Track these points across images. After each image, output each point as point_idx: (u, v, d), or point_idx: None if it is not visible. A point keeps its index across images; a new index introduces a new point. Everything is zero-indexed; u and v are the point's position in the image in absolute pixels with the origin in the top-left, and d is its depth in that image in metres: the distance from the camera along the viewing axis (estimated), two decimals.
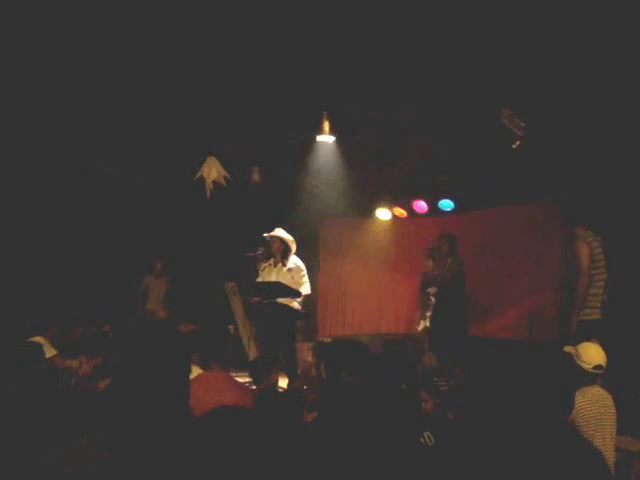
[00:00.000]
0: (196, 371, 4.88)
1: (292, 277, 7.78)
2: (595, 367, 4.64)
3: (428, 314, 9.16)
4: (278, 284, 7.54)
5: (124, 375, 2.12)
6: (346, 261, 11.34)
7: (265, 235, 7.98)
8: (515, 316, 9.40)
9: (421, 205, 10.10)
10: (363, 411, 2.71)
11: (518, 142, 7.18)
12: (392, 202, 10.46)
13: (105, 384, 4.55)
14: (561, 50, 5.74)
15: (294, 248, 7.93)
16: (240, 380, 5.54)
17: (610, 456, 4.41)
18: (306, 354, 8.59)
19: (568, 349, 4.83)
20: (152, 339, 2.16)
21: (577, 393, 4.55)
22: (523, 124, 6.89)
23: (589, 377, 4.65)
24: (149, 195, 9.84)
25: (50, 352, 6.49)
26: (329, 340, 9.59)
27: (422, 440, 3.13)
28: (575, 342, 4.97)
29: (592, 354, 4.70)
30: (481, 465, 2.03)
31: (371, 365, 3.35)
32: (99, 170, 9.02)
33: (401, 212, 10.59)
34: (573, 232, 6.24)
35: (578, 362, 4.67)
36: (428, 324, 9.09)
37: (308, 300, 8.22)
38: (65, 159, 8.51)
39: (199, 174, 8.39)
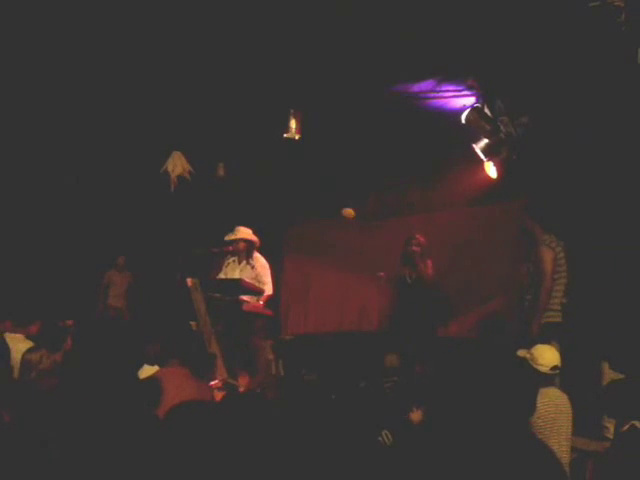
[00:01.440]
0: (156, 367, 4.85)
1: (256, 275, 7.76)
2: (552, 368, 4.71)
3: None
4: (240, 281, 7.51)
5: (76, 369, 2.09)
6: (310, 260, 11.31)
7: (227, 239, 7.92)
8: (476, 318, 9.46)
9: None
10: (321, 408, 2.70)
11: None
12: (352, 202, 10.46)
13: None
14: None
15: (257, 242, 7.92)
16: None
17: (565, 456, 4.48)
18: (268, 352, 8.56)
19: (522, 353, 4.88)
20: (104, 335, 2.13)
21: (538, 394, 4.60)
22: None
23: (546, 379, 4.71)
24: (112, 188, 9.73)
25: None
26: (290, 338, 9.57)
27: (380, 439, 3.14)
28: (533, 345, 5.02)
29: (547, 356, 4.76)
30: (439, 464, 2.04)
31: (330, 363, 3.35)
32: (60, 163, 8.89)
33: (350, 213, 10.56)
34: (536, 237, 6.28)
35: (534, 365, 4.71)
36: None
37: (271, 299, 8.20)
38: (27, 152, 8.37)
39: (164, 168, 8.33)
